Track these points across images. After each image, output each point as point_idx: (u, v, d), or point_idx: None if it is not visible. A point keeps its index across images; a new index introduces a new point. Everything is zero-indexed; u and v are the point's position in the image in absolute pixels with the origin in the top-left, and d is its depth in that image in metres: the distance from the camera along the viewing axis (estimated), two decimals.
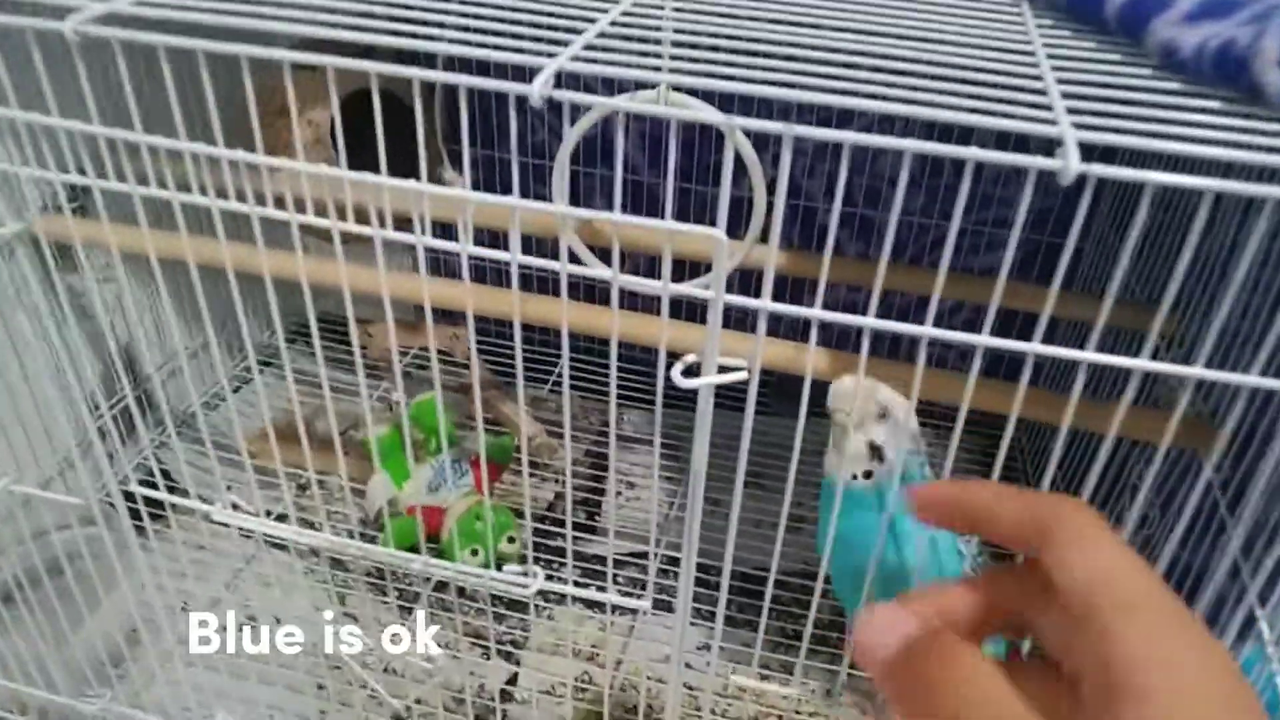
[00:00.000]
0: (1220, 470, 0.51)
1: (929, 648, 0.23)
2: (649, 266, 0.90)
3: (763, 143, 0.88)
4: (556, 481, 0.88)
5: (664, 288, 0.30)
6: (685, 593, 0.38)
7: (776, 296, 0.30)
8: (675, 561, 0.82)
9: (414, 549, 0.80)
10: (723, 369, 0.32)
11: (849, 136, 0.26)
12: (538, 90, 0.27)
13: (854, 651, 0.24)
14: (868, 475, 0.52)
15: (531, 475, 0.88)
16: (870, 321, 0.30)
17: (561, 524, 0.84)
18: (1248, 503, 0.50)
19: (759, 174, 0.59)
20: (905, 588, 0.38)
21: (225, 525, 0.51)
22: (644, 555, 0.81)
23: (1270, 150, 0.25)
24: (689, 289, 0.30)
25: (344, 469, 0.51)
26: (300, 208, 0.34)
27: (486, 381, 0.93)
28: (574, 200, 0.93)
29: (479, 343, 0.99)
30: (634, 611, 0.76)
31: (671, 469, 0.91)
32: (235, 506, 0.53)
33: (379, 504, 0.75)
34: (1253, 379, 0.30)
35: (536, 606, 0.76)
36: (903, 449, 0.49)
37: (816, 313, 0.31)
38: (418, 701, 0.66)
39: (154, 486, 0.50)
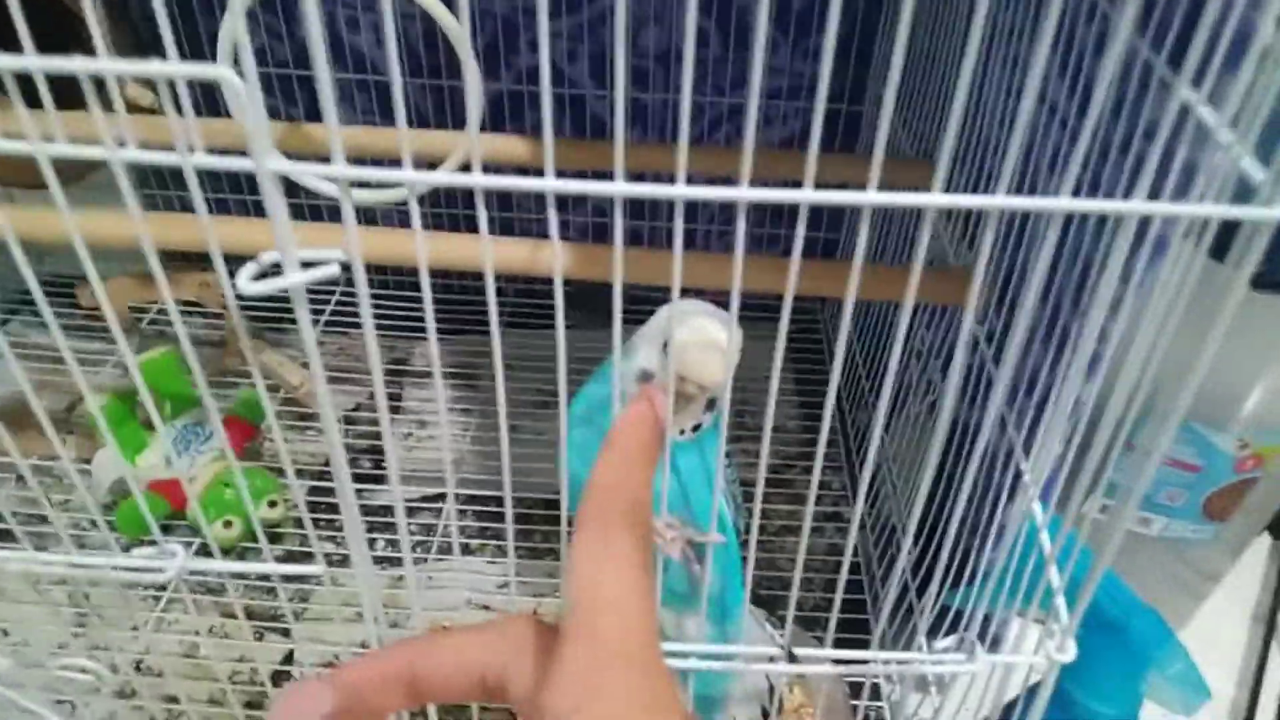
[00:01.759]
0: (985, 323, 0.48)
1: None
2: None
3: (515, 30, 0.79)
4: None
5: (185, 160, 0.22)
6: (359, 542, 0.31)
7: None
8: (473, 500, 0.76)
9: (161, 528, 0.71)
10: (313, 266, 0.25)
11: None
12: None
13: None
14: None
15: (307, 428, 0.79)
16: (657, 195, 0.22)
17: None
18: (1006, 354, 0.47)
19: (466, 49, 0.51)
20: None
21: None
22: (435, 499, 0.74)
23: None
24: (227, 161, 0.22)
25: (59, 450, 0.40)
26: None
27: (245, 331, 0.82)
28: (315, 117, 0.82)
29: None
30: (398, 562, 0.70)
31: (468, 400, 0.84)
32: None
33: (107, 483, 0.64)
34: (992, 200, 0.23)
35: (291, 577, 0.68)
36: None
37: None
38: (173, 701, 0.58)
39: None
